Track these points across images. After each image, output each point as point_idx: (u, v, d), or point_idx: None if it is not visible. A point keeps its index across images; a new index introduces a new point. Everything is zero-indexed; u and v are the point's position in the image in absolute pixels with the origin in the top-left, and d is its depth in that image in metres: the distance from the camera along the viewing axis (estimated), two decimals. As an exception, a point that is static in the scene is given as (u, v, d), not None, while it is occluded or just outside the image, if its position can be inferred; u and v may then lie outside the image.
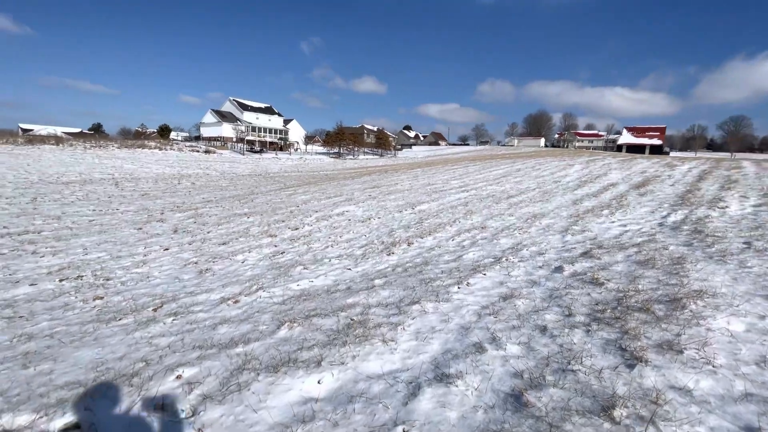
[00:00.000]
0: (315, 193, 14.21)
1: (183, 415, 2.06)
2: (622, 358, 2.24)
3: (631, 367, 2.12)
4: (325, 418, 1.90)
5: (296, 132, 74.77)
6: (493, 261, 5.04)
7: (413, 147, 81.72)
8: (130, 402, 2.17)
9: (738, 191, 8.91)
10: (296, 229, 8.51)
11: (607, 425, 1.69)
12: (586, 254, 4.95)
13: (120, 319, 3.82)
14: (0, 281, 5.48)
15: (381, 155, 58.56)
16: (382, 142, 61.36)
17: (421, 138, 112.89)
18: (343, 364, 2.41)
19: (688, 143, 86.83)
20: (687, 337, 2.38)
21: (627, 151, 59.97)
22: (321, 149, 61.79)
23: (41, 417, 2.11)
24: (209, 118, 64.20)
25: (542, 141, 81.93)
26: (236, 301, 4.14)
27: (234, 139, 54.22)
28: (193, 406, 2.10)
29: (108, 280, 5.52)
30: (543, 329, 2.76)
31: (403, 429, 1.77)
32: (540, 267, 4.60)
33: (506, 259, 5.00)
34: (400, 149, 69.71)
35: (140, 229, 9.14)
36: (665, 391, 1.89)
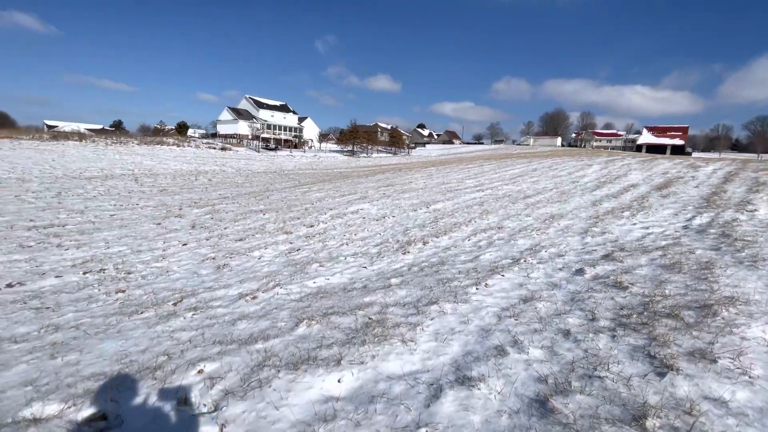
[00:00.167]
0: (329, 191, 14.26)
1: (205, 410, 2.08)
2: (651, 365, 2.17)
3: (661, 375, 2.05)
4: (347, 418, 1.89)
5: (310, 130, 75.25)
6: (511, 262, 4.96)
7: (427, 145, 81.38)
8: (153, 395, 2.20)
9: (767, 194, 8.57)
10: (311, 226, 8.56)
11: (637, 435, 1.64)
12: (607, 257, 4.83)
13: (142, 313, 3.90)
14: (28, 272, 5.66)
15: (394, 153, 58.50)
16: (395, 141, 61.26)
17: (435, 136, 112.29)
18: (362, 363, 2.40)
19: (711, 143, 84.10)
20: (720, 345, 2.29)
21: (647, 152, 58.44)
22: (335, 147, 62.07)
23: (69, 407, 2.16)
24: (226, 115, 65.14)
25: (558, 140, 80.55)
26: (254, 297, 4.18)
27: (250, 137, 54.88)
28: (215, 401, 2.12)
29: (129, 273, 5.64)
30: (566, 333, 2.69)
31: (427, 431, 1.75)
32: (560, 269, 4.50)
33: (525, 261, 4.92)
34: (414, 147, 69.50)
35: (159, 224, 9.32)
36: (699, 402, 1.82)
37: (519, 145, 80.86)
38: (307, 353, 2.59)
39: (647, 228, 6.51)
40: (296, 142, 63.26)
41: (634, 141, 75.00)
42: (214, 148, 40.33)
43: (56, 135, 33.19)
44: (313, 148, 60.24)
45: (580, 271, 4.27)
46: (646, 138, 71.45)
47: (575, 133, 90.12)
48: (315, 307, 3.69)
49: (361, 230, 7.98)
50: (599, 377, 2.09)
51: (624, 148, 71.15)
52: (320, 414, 1.94)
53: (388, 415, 1.90)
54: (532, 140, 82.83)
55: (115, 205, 11.90)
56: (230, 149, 41.63)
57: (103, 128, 70.46)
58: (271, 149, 48.67)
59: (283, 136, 64.88)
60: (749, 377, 1.99)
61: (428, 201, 10.76)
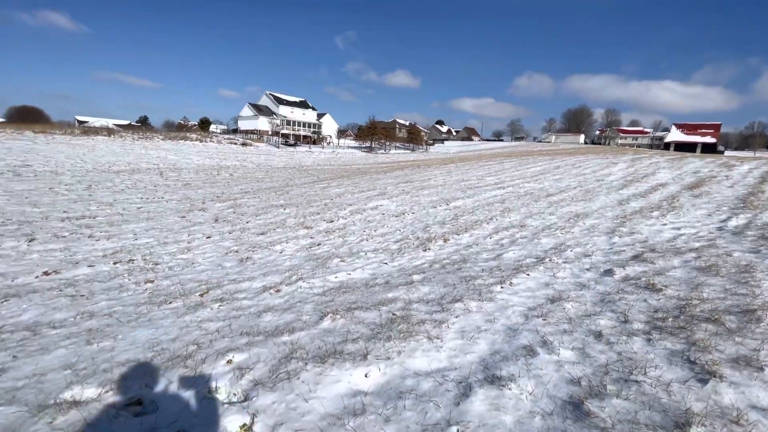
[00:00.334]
0: (348, 187, 14.31)
1: (235, 399, 2.11)
2: (692, 371, 2.08)
3: (703, 382, 1.96)
4: (376, 413, 1.88)
5: (329, 126, 75.68)
6: (536, 261, 4.86)
7: (445, 142, 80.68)
8: (185, 383, 2.26)
9: (810, 195, 8.12)
10: (331, 221, 8.61)
11: (680, 443, 1.57)
12: (637, 258, 4.67)
13: (170, 303, 4.00)
14: (62, 261, 5.90)
15: (412, 150, 58.23)
16: (413, 137, 60.95)
17: (454, 133, 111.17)
18: (389, 359, 2.39)
19: (746, 142, 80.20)
20: (767, 353, 2.18)
21: (675, 150, 56.24)
22: (353, 143, 62.24)
23: (107, 391, 2.23)
24: (246, 111, 66.20)
25: (582, 137, 78.40)
26: (278, 291, 4.23)
27: (269, 133, 55.64)
28: (245, 391, 2.15)
29: (156, 264, 5.81)
30: (598, 335, 2.61)
31: (458, 430, 1.73)
32: (587, 269, 4.38)
33: (550, 260, 4.81)
34: (432, 144, 69.01)
35: (184, 217, 9.56)
36: (747, 412, 1.73)
37: (540, 142, 79.14)
38: (333, 347, 2.60)
39: (678, 229, 6.26)
40: (315, 138, 63.76)
41: (661, 139, 72.29)
42: (235, 144, 41.07)
43: (86, 130, 34.45)
44: (331, 144, 60.59)
45: (608, 272, 4.14)
46: (675, 135, 68.77)
47: (599, 130, 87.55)
48: (338, 301, 3.70)
49: (380, 226, 7.98)
50: (636, 381, 2.02)
51: (651, 146, 68.66)
52: (349, 408, 1.94)
53: (418, 411, 1.88)
54: (553, 137, 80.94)
55: (141, 198, 12.27)
56: (251, 145, 42.31)
57: (129, 124, 72.75)
58: (290, 145, 49.23)
59: (302, 132, 65.49)
60: (800, 387, 1.88)
61: (448, 198, 10.67)
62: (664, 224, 6.66)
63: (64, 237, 7.34)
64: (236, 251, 6.52)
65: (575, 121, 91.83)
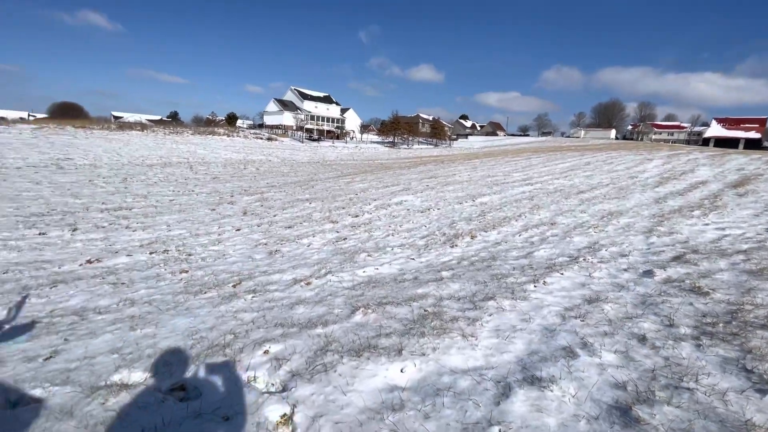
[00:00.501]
0: (372, 182, 14.34)
1: (273, 389, 2.15)
2: (749, 381, 1.96)
3: (762, 392, 1.85)
4: (415, 409, 1.88)
5: (352, 121, 75.93)
6: (569, 260, 4.71)
7: (469, 137, 79.41)
8: (226, 371, 2.32)
9: None
10: (356, 216, 8.65)
11: (739, 456, 1.48)
12: (678, 259, 4.45)
13: (205, 293, 4.13)
14: (103, 250, 6.19)
15: (435, 145, 57.67)
16: (437, 132, 60.33)
17: (478, 128, 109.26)
18: (423, 355, 2.38)
19: (794, 137, 74.93)
20: (833, 364, 2.03)
21: (715, 146, 53.26)
22: (376, 138, 62.24)
23: (152, 376, 2.32)
24: (272, 106, 67.27)
25: (613, 132, 75.32)
26: (308, 283, 4.29)
27: (294, 128, 56.37)
28: (283, 382, 2.19)
29: (190, 255, 6.00)
30: (641, 339, 2.51)
31: (500, 430, 1.69)
32: (625, 270, 4.21)
33: (584, 259, 4.65)
34: (456, 139, 68.10)
35: (214, 209, 9.84)
36: (815, 426, 1.62)
37: (568, 137, 76.64)
38: (367, 341, 2.61)
39: (723, 229, 5.93)
40: (338, 133, 64.14)
41: (699, 134, 68.57)
42: (261, 139, 41.86)
43: (122, 125, 35.95)
44: (354, 139, 60.81)
45: (648, 273, 3.97)
46: (715, 130, 65.05)
47: (632, 125, 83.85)
48: (368, 295, 3.71)
49: (405, 222, 7.95)
50: (688, 389, 1.92)
51: (688, 142, 65.32)
52: (387, 402, 1.94)
53: (457, 409, 1.86)
54: (582, 132, 78.20)
55: (173, 191, 12.71)
56: (276, 139, 43.03)
57: (161, 119, 75.37)
58: (314, 140, 49.75)
59: (325, 127, 66.00)
60: None
61: (474, 194, 10.51)
62: (707, 224, 6.32)
63: (104, 227, 7.70)
64: (265, 244, 6.65)
65: (606, 116, 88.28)
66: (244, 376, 2.25)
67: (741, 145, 55.97)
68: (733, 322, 2.62)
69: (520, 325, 2.82)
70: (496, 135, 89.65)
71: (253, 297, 3.87)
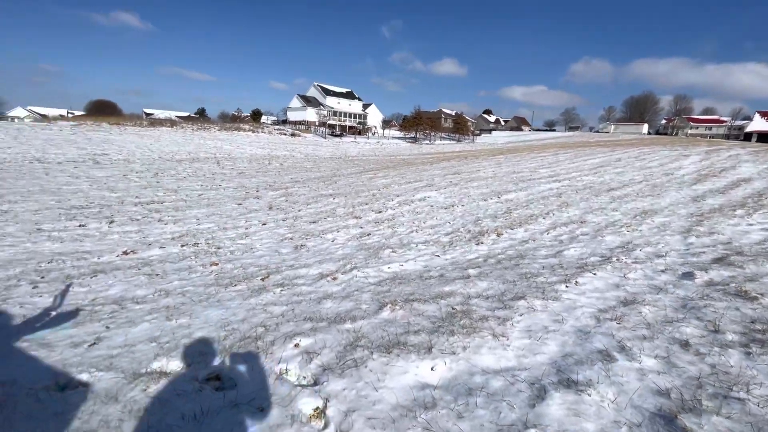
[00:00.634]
0: (394, 178, 14.30)
1: (305, 383, 2.18)
2: (807, 392, 1.84)
3: (823, 405, 1.73)
4: (448, 408, 1.86)
5: (374, 116, 75.96)
6: (602, 260, 4.56)
7: (493, 132, 78.01)
8: (258, 363, 2.37)
9: None
10: (379, 212, 8.65)
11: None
12: (721, 261, 4.23)
13: (235, 285, 4.24)
14: (138, 242, 6.45)
15: (458, 140, 56.94)
16: (459, 127, 59.47)
17: (502, 123, 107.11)
18: (454, 353, 2.36)
19: None
20: None
21: (758, 141, 50.15)
22: (397, 134, 62.04)
23: (189, 365, 2.40)
24: (295, 102, 68.12)
25: (645, 127, 72.13)
26: (334, 278, 4.33)
27: (317, 123, 56.91)
28: (315, 376, 2.22)
29: (219, 248, 6.16)
30: (684, 344, 2.39)
31: (536, 433, 1.66)
32: (662, 271, 4.03)
33: (617, 259, 4.49)
34: (479, 134, 67.01)
35: (240, 204, 10.06)
36: None
37: (597, 132, 74.01)
38: (396, 338, 2.61)
39: (770, 230, 5.58)
40: (360, 129, 64.31)
41: (741, 128, 64.76)
42: (285, 134, 42.49)
43: (153, 122, 37.26)
44: (376, 134, 60.83)
45: (688, 275, 3.78)
46: (758, 124, 61.26)
47: (666, 119, 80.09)
48: (395, 292, 3.71)
49: (429, 218, 7.89)
50: (738, 399, 1.82)
51: (727, 137, 61.77)
52: (419, 400, 1.93)
53: (491, 410, 1.83)
54: (612, 127, 75.28)
55: (201, 185, 13.08)
56: (299, 135, 43.57)
57: (189, 115, 77.69)
58: (336, 135, 50.08)
59: (348, 123, 66.27)
60: None
61: (499, 191, 10.31)
62: (751, 224, 5.97)
63: (138, 220, 8.01)
64: (291, 238, 6.75)
65: (638, 110, 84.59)
66: (276, 369, 2.29)
67: (787, 141, 52.46)
68: (786, 330, 2.46)
69: (553, 326, 2.75)
70: (521, 130, 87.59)
71: (281, 290, 3.94)
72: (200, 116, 79.49)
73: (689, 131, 70.23)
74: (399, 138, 55.77)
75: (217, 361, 2.42)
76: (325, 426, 1.82)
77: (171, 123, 37.49)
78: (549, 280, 3.81)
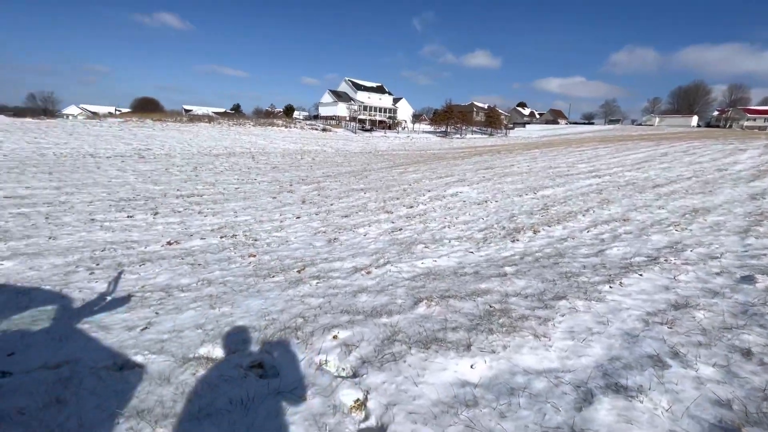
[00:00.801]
0: (425, 172, 14.19)
1: (344, 374, 2.22)
2: None
3: None
4: (489, 407, 1.83)
5: (404, 110, 75.55)
6: (648, 260, 4.32)
7: (527, 126, 75.58)
8: (299, 352, 2.43)
9: None
10: (411, 207, 8.62)
11: None
12: (786, 264, 3.89)
13: (273, 276, 4.36)
14: (180, 233, 6.77)
15: (490, 134, 55.62)
16: (492, 121, 58.05)
17: (537, 116, 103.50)
18: (493, 352, 2.31)
19: None
20: None
21: (825, 134, 45.61)
22: (428, 128, 61.44)
23: (233, 352, 2.50)
24: (327, 98, 68.90)
25: (694, 119, 67.34)
26: (368, 272, 4.36)
27: (347, 118, 57.33)
28: (354, 368, 2.25)
29: (256, 240, 6.36)
30: (746, 353, 2.23)
31: (585, 439, 1.60)
32: (717, 274, 3.77)
33: (665, 260, 4.24)
34: (512, 128, 65.12)
35: (275, 198, 10.33)
36: None
37: (640, 125, 69.96)
38: (433, 334, 2.59)
39: (843, 232, 5.08)
40: (390, 123, 64.18)
41: (805, 120, 59.18)
42: (316, 129, 43.14)
43: (192, 118, 38.91)
44: (405, 128, 60.51)
45: (748, 279, 3.52)
46: (826, 116, 55.74)
47: (718, 110, 74.42)
48: (429, 288, 3.69)
49: (461, 214, 7.78)
50: (811, 414, 1.67)
51: (789, 130, 56.57)
52: (460, 397, 1.91)
53: (535, 411, 1.79)
54: (657, 119, 70.89)
55: (238, 179, 13.53)
56: (330, 130, 44.10)
57: (225, 111, 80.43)
58: (366, 130, 50.28)
59: (378, 117, 66.31)
60: None
61: (535, 186, 9.99)
62: (820, 225, 5.47)
63: (180, 212, 8.41)
64: (324, 232, 6.86)
65: (686, 101, 79.04)
66: (316, 360, 2.34)
67: None
68: None
69: (597, 328, 2.64)
70: (557, 123, 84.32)
71: (317, 283, 4.02)
72: (235, 112, 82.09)
73: (745, 123, 64.89)
74: (429, 132, 55.21)
75: (259, 350, 2.51)
76: (366, 418, 1.84)
77: (208, 119, 38.98)
78: (591, 280, 3.66)
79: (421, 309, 3.07)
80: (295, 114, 72.40)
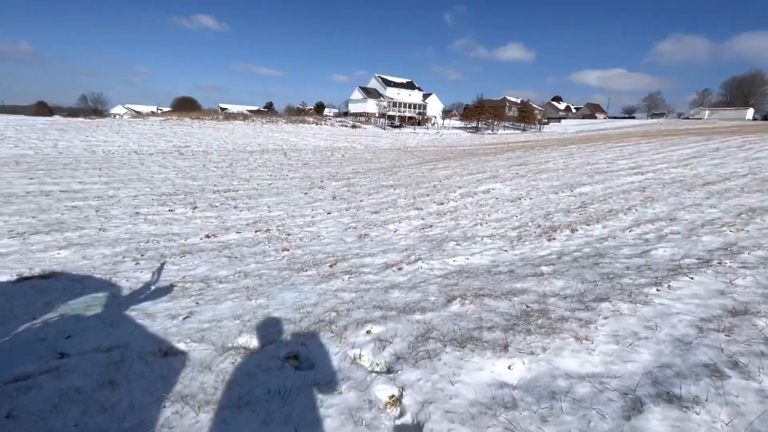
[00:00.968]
0: (456, 169, 13.97)
1: (378, 369, 2.21)
2: None
3: None
4: (530, 410, 1.77)
5: (434, 106, 74.76)
6: (699, 263, 4.04)
7: (562, 120, 72.74)
8: (333, 346, 2.46)
9: None
10: (441, 203, 8.51)
11: None
12: None
13: (306, 270, 4.44)
14: (217, 227, 7.02)
15: (523, 130, 54.03)
16: (525, 116, 56.31)
17: (573, 110, 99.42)
18: (532, 354, 2.24)
19: None
20: None
21: None
22: (458, 123, 60.45)
23: (270, 343, 2.56)
24: (356, 94, 69.34)
25: (749, 112, 62.27)
26: (400, 269, 4.34)
27: (377, 115, 57.46)
28: (388, 364, 2.24)
29: (289, 235, 6.50)
30: (817, 366, 2.03)
31: (636, 450, 1.51)
32: (780, 279, 3.46)
33: (719, 263, 3.94)
34: (546, 123, 62.91)
35: (306, 193, 10.51)
36: None
37: (687, 119, 65.60)
38: (468, 333, 2.54)
39: None
40: (419, 119, 63.71)
41: None
42: (346, 126, 43.52)
43: (227, 116, 40.29)
44: (435, 124, 59.86)
45: (817, 285, 3.21)
46: None
47: (777, 102, 68.59)
48: (463, 286, 3.63)
49: (494, 211, 7.60)
50: None
51: None
52: (498, 399, 1.86)
53: (578, 417, 1.71)
54: (707, 113, 66.16)
55: (270, 175, 13.88)
56: (359, 127, 44.36)
57: (258, 109, 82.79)
58: (395, 126, 50.19)
59: (407, 113, 65.97)
60: None
61: (571, 183, 9.60)
62: None
63: (217, 207, 8.73)
64: (354, 227, 6.91)
65: (741, 92, 73.20)
66: (351, 354, 2.35)
67: None
68: None
69: (644, 333, 2.49)
70: (595, 117, 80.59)
71: (349, 278, 4.05)
72: (268, 110, 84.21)
73: (809, 116, 59.38)
74: (459, 128, 54.33)
75: (294, 341, 2.55)
76: (401, 414, 1.83)
77: (243, 117, 40.22)
78: (636, 282, 3.46)
79: (455, 307, 3.01)
80: (326, 111, 73.39)
